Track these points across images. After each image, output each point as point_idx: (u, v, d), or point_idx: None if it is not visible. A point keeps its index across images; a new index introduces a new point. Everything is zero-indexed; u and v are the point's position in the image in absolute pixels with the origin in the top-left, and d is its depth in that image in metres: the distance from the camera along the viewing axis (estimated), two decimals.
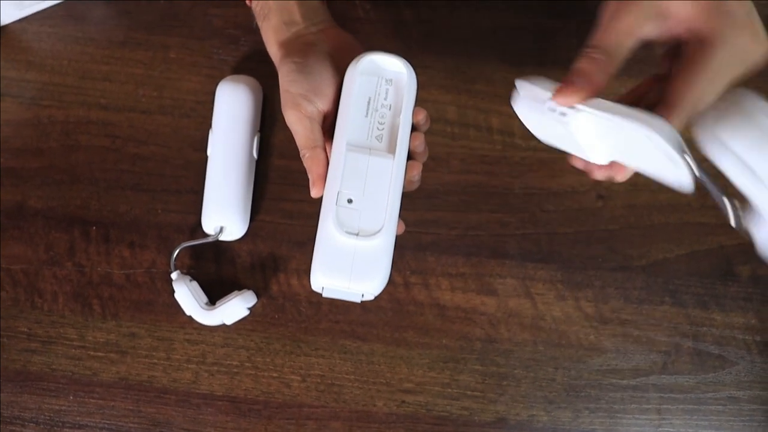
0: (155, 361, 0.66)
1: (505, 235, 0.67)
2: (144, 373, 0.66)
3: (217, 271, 0.67)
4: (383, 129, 0.53)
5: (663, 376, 0.65)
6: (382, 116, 0.53)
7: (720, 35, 0.45)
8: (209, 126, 0.67)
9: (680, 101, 0.46)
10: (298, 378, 0.66)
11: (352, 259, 0.49)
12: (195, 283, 0.65)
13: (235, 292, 0.65)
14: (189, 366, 0.66)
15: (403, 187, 0.52)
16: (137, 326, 0.66)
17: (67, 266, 0.67)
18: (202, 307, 0.64)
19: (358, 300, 0.51)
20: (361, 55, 0.53)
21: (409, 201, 0.64)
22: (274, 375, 0.66)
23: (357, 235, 0.50)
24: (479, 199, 0.67)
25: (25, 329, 0.67)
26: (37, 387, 0.66)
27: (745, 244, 0.66)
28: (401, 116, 0.52)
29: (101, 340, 0.66)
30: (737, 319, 0.66)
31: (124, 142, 0.69)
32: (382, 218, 0.50)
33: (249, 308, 0.65)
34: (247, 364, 0.66)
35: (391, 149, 0.52)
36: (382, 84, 0.53)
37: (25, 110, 0.69)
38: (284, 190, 0.68)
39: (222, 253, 0.67)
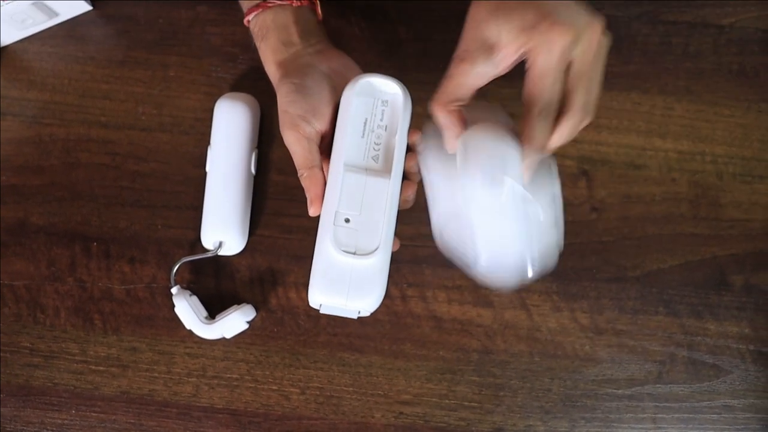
0: (156, 374, 0.67)
1: None
2: (145, 387, 0.67)
3: (217, 286, 0.68)
4: (379, 149, 0.54)
5: (658, 385, 0.66)
6: (378, 137, 0.54)
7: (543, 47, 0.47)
8: (208, 143, 0.68)
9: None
10: (297, 390, 0.66)
11: (349, 277, 0.51)
12: (195, 298, 0.66)
13: (235, 306, 0.66)
14: (189, 379, 0.67)
15: (399, 206, 0.53)
16: (138, 340, 0.67)
17: (69, 282, 0.68)
18: (201, 321, 0.65)
19: (354, 317, 0.52)
20: (357, 77, 0.54)
21: (406, 215, 0.64)
22: (274, 388, 0.66)
23: (354, 254, 0.51)
24: None
25: (28, 344, 0.68)
26: (40, 401, 0.67)
27: (738, 254, 0.67)
28: (397, 137, 0.53)
29: (102, 354, 0.67)
30: (731, 328, 0.66)
31: (124, 159, 0.70)
32: (378, 237, 0.51)
33: (248, 322, 0.66)
34: (246, 377, 0.67)
35: (387, 169, 0.53)
36: (378, 105, 0.55)
37: (27, 128, 0.70)
38: (282, 205, 0.69)
39: (221, 267, 0.68)
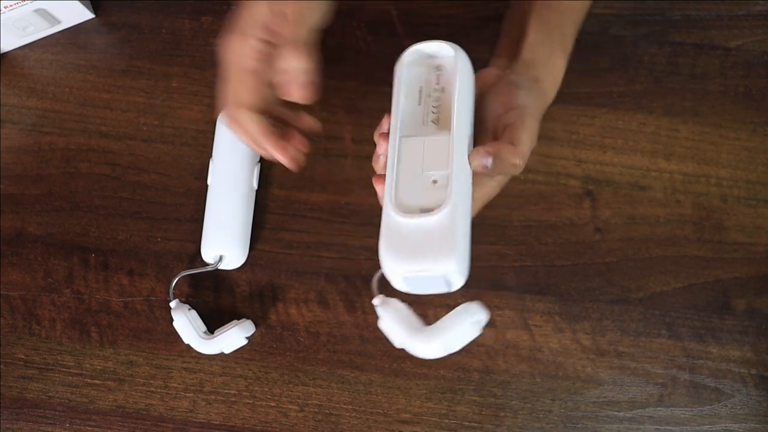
0: (153, 389, 0.66)
1: (503, 267, 0.67)
2: (141, 402, 0.66)
3: (216, 300, 0.67)
4: (437, 112, 0.51)
5: (659, 408, 0.65)
6: (436, 100, 0.51)
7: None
8: (210, 155, 0.67)
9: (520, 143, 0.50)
10: (296, 407, 0.66)
11: (421, 240, 0.45)
12: (194, 312, 0.65)
13: (234, 321, 0.65)
14: (186, 395, 0.66)
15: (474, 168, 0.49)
16: (135, 354, 0.66)
17: (66, 293, 0.67)
18: (200, 336, 0.64)
19: (447, 289, 0.47)
20: (406, 50, 0.52)
21: None
22: (272, 404, 0.66)
23: (420, 212, 0.46)
24: (477, 231, 0.67)
25: (23, 356, 0.67)
26: (34, 414, 0.66)
27: (742, 278, 0.67)
28: (455, 94, 0.49)
29: (99, 367, 0.66)
30: (733, 352, 0.66)
31: (124, 170, 0.69)
32: (443, 193, 0.46)
33: (247, 338, 0.65)
34: (244, 393, 0.66)
35: (446, 126, 0.49)
36: (432, 72, 0.52)
37: (26, 137, 0.70)
38: (283, 221, 0.68)
39: (221, 281, 0.67)
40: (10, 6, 0.66)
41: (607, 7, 0.71)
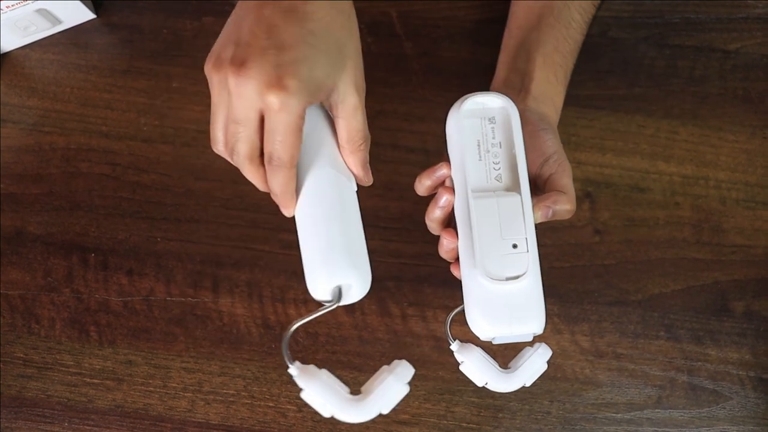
0: (151, 388, 0.66)
1: None
2: (140, 401, 0.66)
3: (215, 300, 0.67)
4: (499, 167, 0.52)
5: (657, 410, 0.65)
6: (496, 155, 0.52)
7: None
8: (210, 155, 0.67)
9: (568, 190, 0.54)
10: (294, 408, 0.66)
11: (509, 305, 0.49)
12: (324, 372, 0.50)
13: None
14: (185, 394, 0.66)
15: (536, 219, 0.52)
16: (134, 354, 0.66)
17: (65, 292, 0.67)
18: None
19: (527, 339, 0.50)
20: (462, 99, 0.52)
21: (407, 233, 0.64)
22: (271, 404, 0.66)
23: (507, 279, 0.49)
24: None
25: (22, 355, 0.67)
26: (32, 413, 0.66)
27: (740, 280, 0.67)
28: (516, 150, 0.51)
29: (97, 367, 0.66)
30: (732, 354, 0.66)
31: (125, 169, 0.69)
32: (526, 258, 0.49)
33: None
34: (243, 393, 0.66)
35: (515, 185, 0.51)
36: (486, 124, 0.53)
37: (26, 136, 0.70)
38: (283, 221, 0.68)
39: (220, 282, 0.67)
40: (12, 6, 0.66)
41: (606, 10, 0.71)
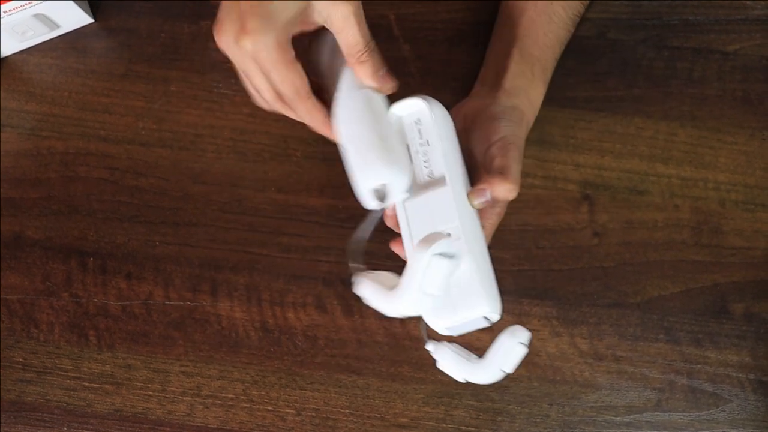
0: (150, 393, 0.66)
1: (501, 271, 0.66)
2: (139, 405, 0.66)
3: (214, 304, 0.67)
4: (429, 165, 0.53)
5: (657, 413, 0.65)
6: (425, 153, 0.53)
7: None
8: (209, 159, 0.67)
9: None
10: (293, 411, 0.66)
11: (450, 292, 0.49)
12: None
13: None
14: (184, 398, 0.66)
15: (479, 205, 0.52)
16: (133, 358, 0.66)
17: (64, 297, 0.67)
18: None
19: (486, 324, 0.51)
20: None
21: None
22: (269, 408, 0.66)
23: None
24: None
25: (21, 359, 0.67)
26: (32, 417, 0.66)
27: (739, 282, 0.67)
28: (439, 143, 0.52)
29: (96, 371, 0.66)
30: (731, 356, 0.66)
31: (123, 174, 0.69)
32: (458, 243, 0.49)
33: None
34: (242, 397, 0.66)
35: (441, 177, 0.52)
36: (412, 127, 0.54)
37: (25, 141, 0.70)
38: (281, 224, 0.68)
39: (218, 285, 0.67)
40: (10, 11, 0.66)
41: (604, 12, 0.71)
